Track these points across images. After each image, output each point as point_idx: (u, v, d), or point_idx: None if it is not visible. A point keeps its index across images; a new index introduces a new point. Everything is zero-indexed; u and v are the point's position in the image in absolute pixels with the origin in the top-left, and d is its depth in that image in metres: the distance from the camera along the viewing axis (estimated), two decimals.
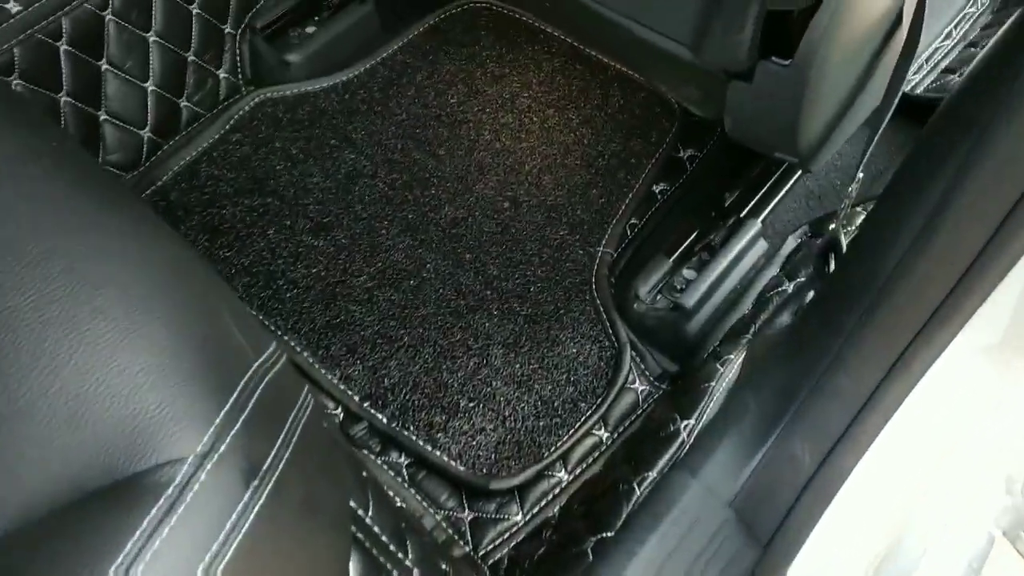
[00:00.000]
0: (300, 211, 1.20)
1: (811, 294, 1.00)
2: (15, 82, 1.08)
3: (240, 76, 1.32)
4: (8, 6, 1.07)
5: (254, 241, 1.17)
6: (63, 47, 1.11)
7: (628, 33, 0.97)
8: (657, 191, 1.24)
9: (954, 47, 1.32)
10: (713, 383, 0.96)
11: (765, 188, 1.19)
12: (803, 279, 1.04)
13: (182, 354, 0.49)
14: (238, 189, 1.21)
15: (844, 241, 1.04)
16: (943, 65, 1.31)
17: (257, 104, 1.30)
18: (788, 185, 1.20)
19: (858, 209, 1.14)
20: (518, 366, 1.07)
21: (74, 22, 1.12)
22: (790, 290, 1.03)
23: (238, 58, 1.31)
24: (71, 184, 0.57)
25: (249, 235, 1.17)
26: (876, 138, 0.88)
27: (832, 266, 1.05)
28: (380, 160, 1.25)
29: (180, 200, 1.20)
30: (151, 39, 1.20)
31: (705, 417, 0.94)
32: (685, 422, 0.95)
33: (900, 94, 0.86)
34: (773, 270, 1.09)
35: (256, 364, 0.53)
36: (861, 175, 0.91)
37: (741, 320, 1.04)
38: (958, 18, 1.34)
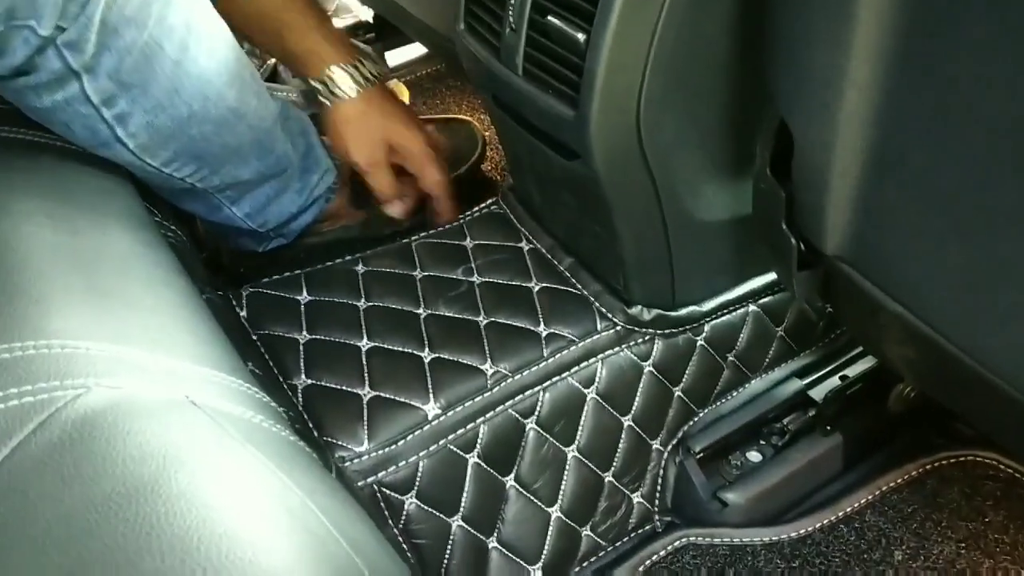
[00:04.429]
0: None
1: None
2: (410, 502, 0.86)
3: (657, 504, 1.03)
4: (427, 408, 0.87)
5: None
6: (472, 459, 0.89)
7: None
8: None
9: None
10: None
11: None
12: None
13: None
14: None
15: None
16: None
17: (675, 550, 0.99)
18: None
19: None
20: None
21: (492, 430, 0.90)
22: None
23: (659, 481, 1.03)
24: None
25: None
26: None
27: None
28: None
29: None
30: (571, 454, 0.95)
31: None
32: None
33: None
34: None
35: None
36: None
37: None
38: None
